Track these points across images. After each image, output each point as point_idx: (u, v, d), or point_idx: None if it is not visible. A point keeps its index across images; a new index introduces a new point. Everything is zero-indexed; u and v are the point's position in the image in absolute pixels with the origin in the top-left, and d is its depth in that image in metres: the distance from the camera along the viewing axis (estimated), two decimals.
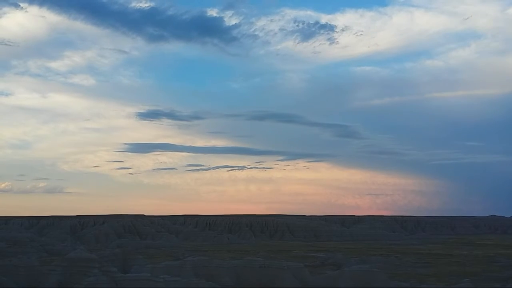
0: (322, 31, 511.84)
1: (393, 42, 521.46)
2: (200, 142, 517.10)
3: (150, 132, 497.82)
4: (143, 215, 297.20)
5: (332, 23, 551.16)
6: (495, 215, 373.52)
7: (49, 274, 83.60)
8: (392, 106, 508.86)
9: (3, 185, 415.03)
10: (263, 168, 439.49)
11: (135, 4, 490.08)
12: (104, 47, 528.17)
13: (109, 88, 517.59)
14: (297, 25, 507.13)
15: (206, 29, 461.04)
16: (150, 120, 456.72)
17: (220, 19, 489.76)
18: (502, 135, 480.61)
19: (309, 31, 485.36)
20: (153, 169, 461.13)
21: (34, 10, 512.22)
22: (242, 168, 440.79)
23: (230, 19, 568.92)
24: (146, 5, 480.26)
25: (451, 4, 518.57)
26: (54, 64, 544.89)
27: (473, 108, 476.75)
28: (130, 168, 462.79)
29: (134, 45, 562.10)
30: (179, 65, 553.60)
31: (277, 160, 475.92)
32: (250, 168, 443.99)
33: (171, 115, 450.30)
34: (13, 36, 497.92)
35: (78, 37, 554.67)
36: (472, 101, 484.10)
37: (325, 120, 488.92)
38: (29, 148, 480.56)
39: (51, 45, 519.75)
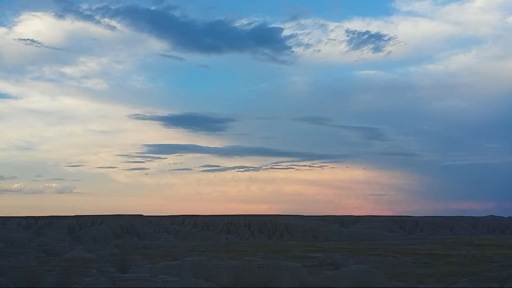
0: (372, 40, 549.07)
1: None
2: (222, 144, 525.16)
3: (175, 135, 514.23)
4: (141, 215, 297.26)
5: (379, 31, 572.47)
6: (493, 215, 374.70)
7: (47, 275, 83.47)
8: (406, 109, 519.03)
9: (16, 185, 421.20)
10: (280, 168, 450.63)
11: (204, 17, 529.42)
12: (157, 54, 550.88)
13: (150, 91, 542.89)
14: (348, 35, 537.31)
15: (262, 39, 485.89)
16: (181, 124, 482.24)
17: (279, 30, 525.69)
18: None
19: (359, 40, 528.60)
20: (170, 170, 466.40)
21: (105, 21, 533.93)
22: (257, 169, 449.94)
23: (289, 30, 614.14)
24: (215, 18, 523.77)
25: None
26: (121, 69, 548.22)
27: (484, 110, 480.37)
28: (147, 169, 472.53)
29: (188, 54, 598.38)
30: (219, 72, 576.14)
31: (295, 161, 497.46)
32: (266, 169, 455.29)
33: (205, 118, 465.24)
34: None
35: (142, 47, 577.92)
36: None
37: (351, 122, 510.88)
38: (35, 150, 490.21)
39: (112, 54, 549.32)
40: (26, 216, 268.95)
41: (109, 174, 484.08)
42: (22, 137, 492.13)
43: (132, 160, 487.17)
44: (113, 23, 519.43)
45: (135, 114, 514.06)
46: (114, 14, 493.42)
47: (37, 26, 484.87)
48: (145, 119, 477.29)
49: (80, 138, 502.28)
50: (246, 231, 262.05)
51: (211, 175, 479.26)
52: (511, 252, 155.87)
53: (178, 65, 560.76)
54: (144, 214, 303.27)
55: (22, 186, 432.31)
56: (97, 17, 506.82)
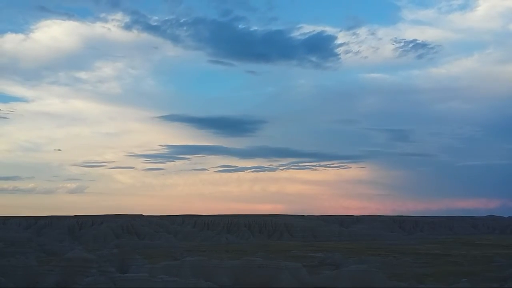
0: (416, 48, 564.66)
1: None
2: (248, 145, 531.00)
3: (203, 136, 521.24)
4: (142, 215, 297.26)
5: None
6: (493, 215, 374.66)
7: (47, 274, 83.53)
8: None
9: (31, 185, 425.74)
10: (296, 169, 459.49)
11: (264, 28, 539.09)
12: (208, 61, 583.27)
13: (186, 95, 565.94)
14: (392, 44, 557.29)
15: (313, 47, 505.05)
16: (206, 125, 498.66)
17: (332, 38, 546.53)
18: None
19: (406, 48, 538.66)
20: (187, 170, 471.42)
21: (170, 31, 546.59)
22: (273, 169, 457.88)
23: (342, 38, 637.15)
24: (275, 28, 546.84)
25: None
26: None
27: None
28: (162, 169, 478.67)
29: (239, 62, 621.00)
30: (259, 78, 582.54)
31: (313, 161, 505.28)
32: (282, 169, 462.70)
33: (239, 120, 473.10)
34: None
35: (195, 55, 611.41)
36: None
37: (377, 124, 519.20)
38: (53, 151, 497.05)
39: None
40: (26, 216, 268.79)
41: (124, 174, 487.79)
42: (43, 139, 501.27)
43: (154, 161, 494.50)
44: (177, 33, 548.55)
45: (174, 115, 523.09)
46: (180, 25, 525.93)
47: (105, 34, 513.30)
48: (180, 120, 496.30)
49: (107, 138, 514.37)
50: (246, 231, 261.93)
51: (224, 175, 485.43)
52: (511, 252, 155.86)
53: (227, 71, 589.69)
54: (144, 214, 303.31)
55: (36, 186, 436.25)
56: (163, 28, 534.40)
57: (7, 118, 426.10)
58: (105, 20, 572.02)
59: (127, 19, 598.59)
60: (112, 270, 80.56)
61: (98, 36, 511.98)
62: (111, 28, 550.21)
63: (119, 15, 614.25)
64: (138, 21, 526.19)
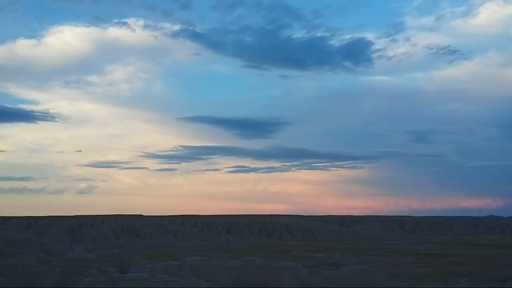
0: (447, 55, 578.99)
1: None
2: (266, 146, 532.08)
3: (223, 137, 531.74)
4: (141, 215, 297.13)
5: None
6: (493, 215, 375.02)
7: (47, 274, 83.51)
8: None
9: (41, 185, 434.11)
10: (309, 169, 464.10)
11: (306, 35, 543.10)
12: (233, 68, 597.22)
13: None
14: (425, 50, 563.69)
15: (348, 53, 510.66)
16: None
17: (369, 44, 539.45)
18: None
19: (436, 54, 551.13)
20: (200, 170, 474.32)
21: (214, 39, 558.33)
22: (286, 169, 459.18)
23: (380, 44, 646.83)
24: (317, 35, 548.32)
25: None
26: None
27: None
28: (175, 170, 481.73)
29: (273, 67, 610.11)
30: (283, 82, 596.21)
31: (325, 162, 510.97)
32: (295, 170, 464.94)
33: (263, 122, 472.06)
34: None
35: (231, 61, 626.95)
36: None
37: (396, 125, 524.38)
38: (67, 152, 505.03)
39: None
40: (26, 216, 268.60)
41: (133, 175, 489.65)
42: (60, 141, 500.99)
43: (171, 161, 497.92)
44: (221, 40, 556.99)
45: (192, 117, 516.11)
46: (227, 33, 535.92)
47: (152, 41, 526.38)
48: (197, 121, 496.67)
49: (119, 139, 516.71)
50: (246, 231, 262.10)
51: (229, 176, 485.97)
52: (511, 252, 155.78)
53: (261, 75, 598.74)
54: (144, 214, 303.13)
55: (45, 186, 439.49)
56: (208, 36, 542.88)
57: (47, 120, 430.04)
58: (154, 28, 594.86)
59: (177, 27, 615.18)
60: (112, 270, 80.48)
61: (146, 43, 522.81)
62: (158, 36, 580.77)
63: (169, 24, 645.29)
64: (186, 30, 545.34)
